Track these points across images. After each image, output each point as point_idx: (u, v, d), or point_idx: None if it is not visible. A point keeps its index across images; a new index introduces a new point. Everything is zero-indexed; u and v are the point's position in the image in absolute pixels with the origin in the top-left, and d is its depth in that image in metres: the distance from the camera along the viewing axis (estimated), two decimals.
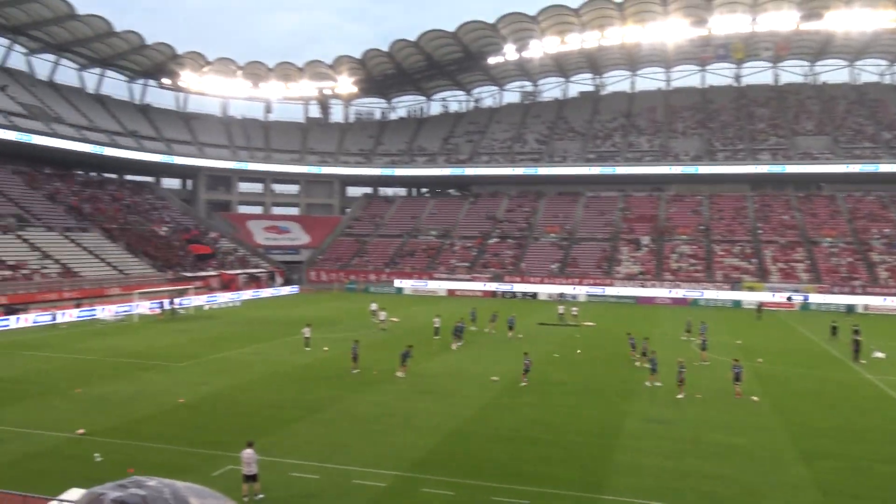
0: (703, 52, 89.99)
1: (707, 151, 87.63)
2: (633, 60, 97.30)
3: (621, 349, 38.80)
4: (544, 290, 72.65)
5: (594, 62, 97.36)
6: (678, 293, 69.41)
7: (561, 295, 70.16)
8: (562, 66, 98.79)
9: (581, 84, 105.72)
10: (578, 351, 37.86)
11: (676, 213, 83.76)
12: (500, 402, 26.55)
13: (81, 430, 21.50)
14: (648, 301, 68.98)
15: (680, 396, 27.29)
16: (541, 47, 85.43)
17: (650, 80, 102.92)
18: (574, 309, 53.84)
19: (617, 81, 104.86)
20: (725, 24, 79.09)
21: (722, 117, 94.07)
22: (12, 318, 46.58)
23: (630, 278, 72.93)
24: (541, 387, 29.08)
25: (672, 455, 20.37)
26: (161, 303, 55.13)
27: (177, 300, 56.34)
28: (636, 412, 25.24)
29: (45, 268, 57.19)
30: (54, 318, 47.82)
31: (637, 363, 34.09)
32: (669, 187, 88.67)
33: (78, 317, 49.83)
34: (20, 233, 60.50)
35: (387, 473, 18.44)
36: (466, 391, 28.13)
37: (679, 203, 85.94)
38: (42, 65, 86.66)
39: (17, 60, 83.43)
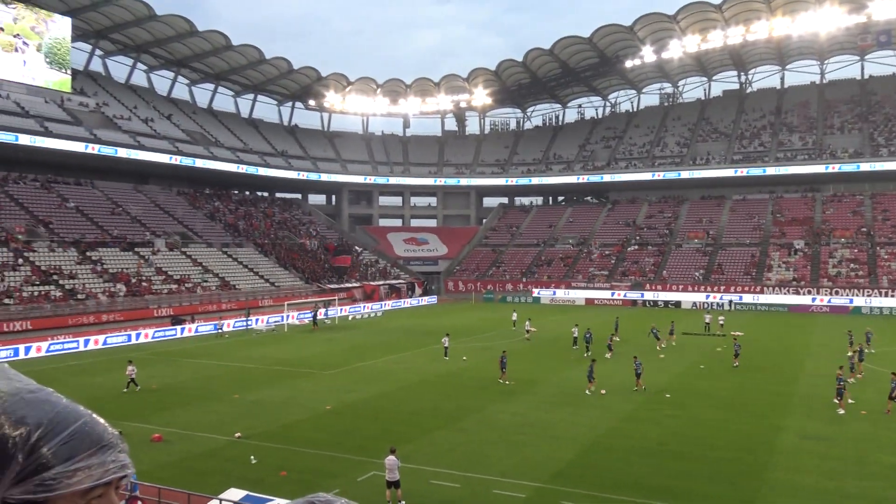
0: (862, 41, 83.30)
1: (869, 147, 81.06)
2: (782, 54, 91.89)
3: (773, 360, 36.70)
4: (688, 298, 69.85)
5: (739, 59, 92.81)
6: (837, 300, 64.55)
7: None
8: (703, 65, 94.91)
9: (725, 82, 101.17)
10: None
11: (834, 215, 77.97)
12: (642, 413, 25.77)
13: (238, 434, 22.95)
14: (803, 309, 64.58)
15: (841, 412, 25.34)
16: (680, 47, 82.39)
17: (802, 73, 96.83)
18: (721, 318, 51.33)
19: (764, 77, 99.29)
20: (887, 8, 72.75)
21: (886, 109, 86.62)
22: (178, 328, 50.58)
23: (782, 285, 68.68)
24: (685, 398, 27.97)
25: (833, 475, 18.96)
26: (313, 313, 57.25)
27: (321, 310, 58.81)
28: (791, 427, 23.71)
29: (206, 281, 61.68)
30: (215, 328, 51.43)
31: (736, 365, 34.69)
32: (826, 187, 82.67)
33: (234, 326, 53.25)
34: (184, 249, 65.66)
35: (526, 484, 18.38)
36: (606, 401, 27.51)
37: (837, 204, 79.95)
38: (202, 94, 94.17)
39: (180, 91, 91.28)
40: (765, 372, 33.89)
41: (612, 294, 73.52)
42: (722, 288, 70.17)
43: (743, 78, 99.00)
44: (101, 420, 1.43)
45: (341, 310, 62.35)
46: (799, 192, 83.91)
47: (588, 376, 29.23)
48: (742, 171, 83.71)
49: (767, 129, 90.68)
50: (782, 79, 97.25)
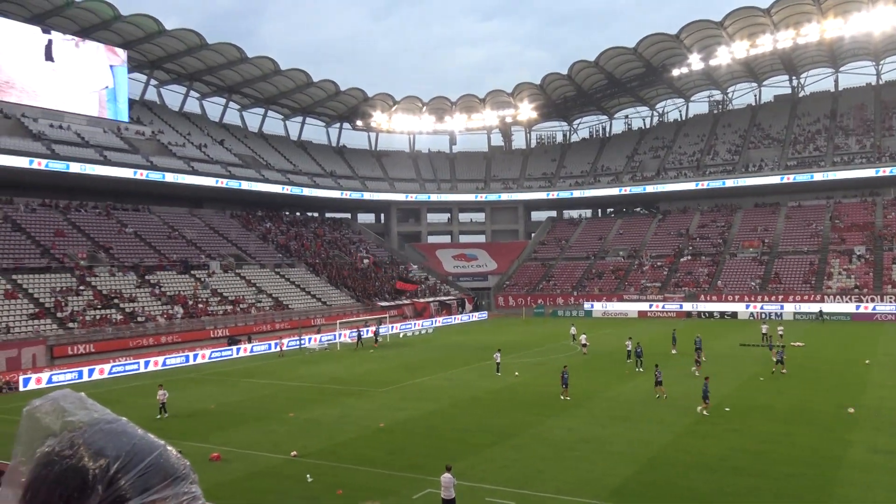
0: None
1: None
2: (834, 56, 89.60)
3: (837, 371, 35.51)
4: (744, 308, 68.21)
5: (790, 63, 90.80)
6: None
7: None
8: (753, 71, 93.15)
9: (776, 87, 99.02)
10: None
11: None
12: (700, 428, 25.16)
13: (294, 452, 23.15)
14: (867, 318, 62.40)
15: None
16: (728, 53, 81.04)
17: (856, 75, 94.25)
18: (780, 328, 49.93)
19: (817, 81, 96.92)
20: None
21: None
22: (234, 348, 51.45)
23: (844, 293, 66.52)
24: (745, 412, 27.21)
25: None
26: (375, 331, 56.99)
27: (372, 328, 58.86)
28: (860, 441, 22.83)
29: (260, 302, 62.70)
30: (270, 348, 52.14)
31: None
32: (887, 191, 79.99)
33: (288, 346, 53.83)
34: (238, 270, 66.92)
35: (584, 501, 18.08)
36: (663, 416, 26.95)
37: None
38: (252, 118, 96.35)
39: (232, 116, 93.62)
40: (829, 383, 32.81)
41: (665, 306, 72.24)
42: (780, 297, 68.35)
43: (795, 82, 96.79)
44: (174, 451, 1.47)
45: (392, 327, 62.63)
46: (858, 196, 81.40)
47: (703, 396, 27.16)
48: (789, 178, 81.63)
49: (822, 134, 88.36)
50: (836, 81, 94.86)
